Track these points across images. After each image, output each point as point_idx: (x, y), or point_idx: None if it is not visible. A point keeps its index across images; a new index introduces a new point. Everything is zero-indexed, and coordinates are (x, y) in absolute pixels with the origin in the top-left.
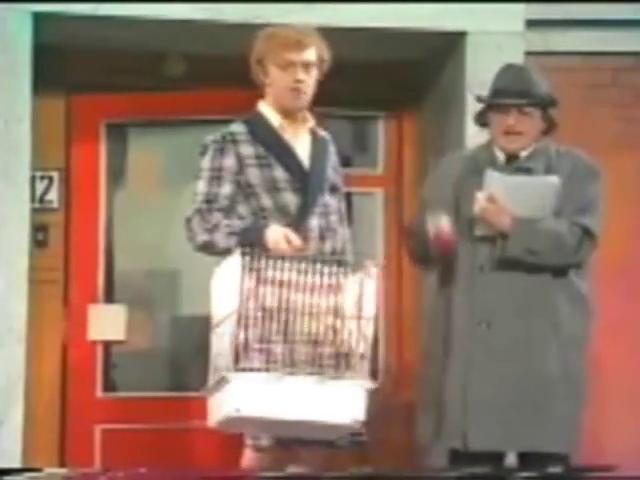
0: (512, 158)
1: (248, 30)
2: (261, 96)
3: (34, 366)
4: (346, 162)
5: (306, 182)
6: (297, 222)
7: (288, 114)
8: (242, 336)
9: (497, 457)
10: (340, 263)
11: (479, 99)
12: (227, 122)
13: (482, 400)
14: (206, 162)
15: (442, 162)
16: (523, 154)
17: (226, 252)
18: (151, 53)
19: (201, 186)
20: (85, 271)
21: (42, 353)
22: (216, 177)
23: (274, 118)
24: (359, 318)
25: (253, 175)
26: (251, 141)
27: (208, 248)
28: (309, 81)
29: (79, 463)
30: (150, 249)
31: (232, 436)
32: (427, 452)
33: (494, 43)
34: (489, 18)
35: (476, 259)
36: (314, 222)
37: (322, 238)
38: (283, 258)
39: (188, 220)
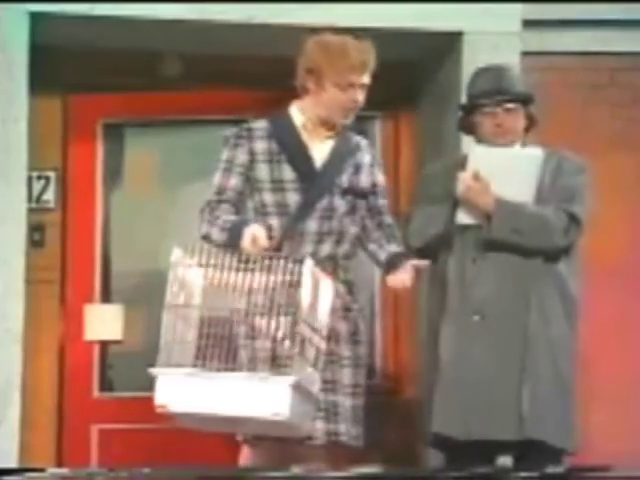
0: None
1: (244, 30)
2: (259, 98)
3: (31, 366)
4: None
5: (312, 183)
6: (294, 222)
7: (315, 119)
8: (171, 333)
9: (490, 457)
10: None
11: (463, 107)
12: (224, 122)
13: (479, 390)
14: (222, 155)
15: (437, 164)
16: None
17: (220, 246)
18: (147, 53)
19: (215, 178)
20: (82, 271)
21: (39, 353)
22: (227, 170)
23: (299, 119)
24: (286, 315)
25: (261, 171)
26: (267, 138)
27: (207, 240)
28: (362, 101)
29: (76, 463)
30: (147, 249)
31: (230, 435)
32: (426, 451)
33: (491, 43)
34: (486, 18)
35: (468, 251)
36: (313, 224)
37: (320, 241)
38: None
39: (201, 211)
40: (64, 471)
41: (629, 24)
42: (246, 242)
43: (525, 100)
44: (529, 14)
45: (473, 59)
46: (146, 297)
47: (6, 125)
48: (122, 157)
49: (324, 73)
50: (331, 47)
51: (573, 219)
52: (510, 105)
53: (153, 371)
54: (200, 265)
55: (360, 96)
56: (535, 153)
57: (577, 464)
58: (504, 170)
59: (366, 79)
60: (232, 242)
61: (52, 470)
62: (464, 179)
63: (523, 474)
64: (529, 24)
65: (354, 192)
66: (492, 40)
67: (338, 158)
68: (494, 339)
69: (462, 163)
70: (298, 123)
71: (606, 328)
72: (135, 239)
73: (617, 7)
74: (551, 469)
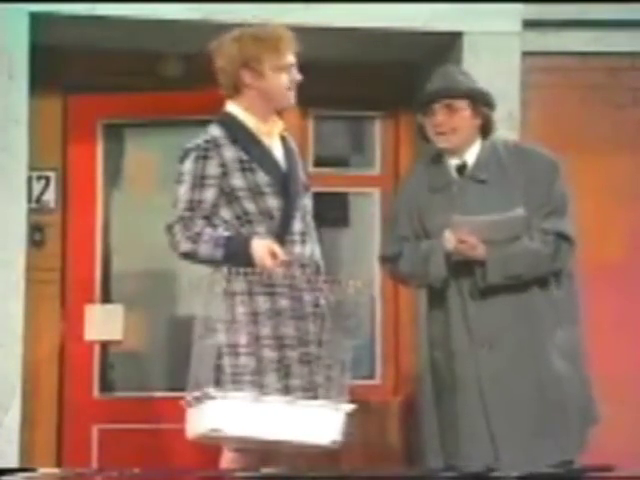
0: (462, 168)
1: None
2: None
3: (31, 366)
4: (343, 162)
5: (286, 185)
6: (281, 226)
7: (262, 117)
8: (231, 362)
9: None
10: (327, 282)
11: (416, 112)
12: None
13: (502, 421)
14: (188, 168)
15: (402, 183)
16: (470, 161)
17: (210, 262)
18: (148, 53)
19: (183, 192)
20: (82, 271)
21: (39, 353)
22: (199, 184)
23: (250, 121)
24: (335, 341)
25: (237, 180)
26: (232, 145)
27: (191, 257)
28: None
29: (76, 463)
30: (147, 249)
31: None
32: (425, 451)
33: (491, 43)
34: (486, 18)
35: (466, 285)
36: (297, 225)
37: (303, 241)
38: (272, 284)
39: (170, 227)
40: (55, 471)
41: (629, 24)
42: (264, 257)
43: (472, 98)
44: (529, 14)
45: (473, 59)
46: (146, 297)
47: (6, 125)
48: (122, 157)
49: (263, 62)
50: (263, 36)
51: (562, 237)
52: (448, 101)
53: (210, 392)
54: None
55: (297, 74)
56: (517, 216)
57: (580, 464)
58: (488, 236)
59: (294, 56)
60: (231, 258)
61: (43, 470)
62: (449, 242)
63: (523, 474)
64: (529, 24)
65: (307, 188)
66: (492, 40)
67: (291, 156)
68: (506, 367)
69: (422, 173)
70: (252, 126)
71: (607, 328)
72: (135, 239)
73: (617, 7)
74: (552, 469)
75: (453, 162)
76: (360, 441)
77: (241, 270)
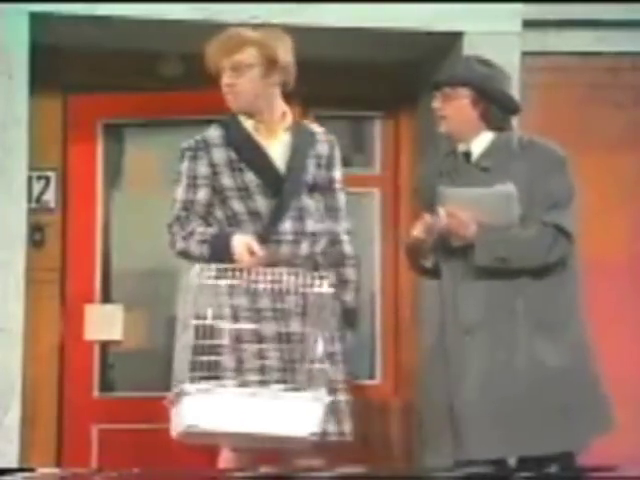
0: (468, 155)
1: None
2: None
3: (31, 366)
4: (343, 162)
5: (279, 186)
6: (269, 227)
7: (261, 116)
8: (212, 359)
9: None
10: (304, 274)
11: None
12: None
13: (478, 409)
14: (182, 168)
15: (425, 164)
16: (475, 149)
17: (200, 259)
18: (148, 53)
19: (179, 193)
20: (82, 271)
21: (39, 353)
22: (192, 184)
23: (247, 122)
24: (315, 331)
25: (225, 180)
26: (224, 146)
27: (185, 255)
28: (242, 83)
29: (76, 463)
30: (147, 249)
31: None
32: (425, 451)
33: (491, 43)
34: (486, 18)
35: (458, 269)
36: (287, 226)
37: (297, 242)
38: (255, 281)
39: (169, 226)
40: (55, 471)
41: (629, 24)
42: (242, 253)
43: (469, 88)
44: (529, 14)
45: None
46: (146, 297)
47: (6, 125)
48: (122, 157)
49: (211, 67)
50: (211, 42)
51: (560, 231)
52: (446, 89)
53: (185, 388)
54: (220, 277)
55: (230, 79)
56: (506, 191)
57: (582, 464)
58: (479, 210)
59: (237, 58)
60: (215, 254)
61: (43, 470)
62: (441, 217)
63: (526, 474)
64: (529, 24)
65: (319, 188)
66: (492, 40)
67: (299, 154)
68: (487, 355)
69: (443, 157)
70: (249, 126)
71: (608, 327)
72: (135, 239)
73: (617, 7)
74: (552, 469)
75: (460, 149)
76: (360, 441)
77: (214, 266)
